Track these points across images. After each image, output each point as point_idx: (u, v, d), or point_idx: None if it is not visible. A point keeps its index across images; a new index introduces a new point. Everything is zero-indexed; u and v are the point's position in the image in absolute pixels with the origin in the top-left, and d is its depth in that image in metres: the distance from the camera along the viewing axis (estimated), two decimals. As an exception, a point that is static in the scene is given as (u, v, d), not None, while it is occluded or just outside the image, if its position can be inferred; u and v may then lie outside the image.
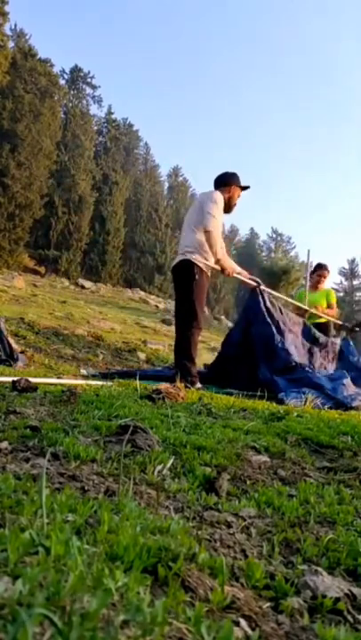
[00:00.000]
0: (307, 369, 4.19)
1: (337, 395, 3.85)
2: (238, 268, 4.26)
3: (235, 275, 4.19)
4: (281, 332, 4.33)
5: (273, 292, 4.87)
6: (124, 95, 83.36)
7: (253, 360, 4.23)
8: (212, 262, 3.90)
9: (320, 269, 5.97)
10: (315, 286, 5.88)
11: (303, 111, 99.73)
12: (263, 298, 4.41)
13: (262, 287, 4.46)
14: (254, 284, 4.38)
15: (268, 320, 4.33)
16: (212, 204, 3.81)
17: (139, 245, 41.00)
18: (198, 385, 3.68)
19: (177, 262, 3.94)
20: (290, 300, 5.65)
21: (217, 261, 3.94)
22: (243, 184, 4.12)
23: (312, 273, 5.97)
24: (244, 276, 4.33)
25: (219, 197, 3.87)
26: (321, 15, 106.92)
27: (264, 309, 4.37)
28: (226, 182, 4.03)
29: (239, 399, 2.99)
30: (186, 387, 3.32)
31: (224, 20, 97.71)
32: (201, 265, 3.83)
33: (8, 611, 0.49)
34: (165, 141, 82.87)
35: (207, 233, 3.79)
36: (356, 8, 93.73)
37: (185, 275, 3.83)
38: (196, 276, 3.80)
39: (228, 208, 4.03)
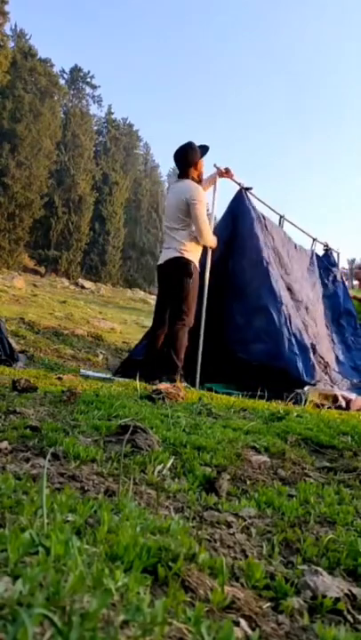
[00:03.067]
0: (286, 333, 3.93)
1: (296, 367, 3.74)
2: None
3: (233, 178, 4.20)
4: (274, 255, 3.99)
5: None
6: (124, 95, 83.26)
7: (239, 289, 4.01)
8: (199, 253, 3.94)
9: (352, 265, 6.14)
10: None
11: (304, 111, 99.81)
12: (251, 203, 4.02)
13: (252, 191, 4.18)
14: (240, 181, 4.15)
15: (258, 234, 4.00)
16: (199, 206, 3.72)
17: (139, 245, 40.96)
18: (184, 383, 3.57)
19: (170, 258, 3.85)
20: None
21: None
22: (201, 149, 3.99)
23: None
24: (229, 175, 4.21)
25: (201, 193, 3.80)
26: (321, 14, 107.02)
27: (253, 214, 4.00)
28: (192, 161, 3.91)
29: (239, 399, 2.99)
30: (168, 381, 3.30)
31: (225, 20, 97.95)
32: (196, 263, 3.86)
33: (8, 611, 0.49)
34: (165, 141, 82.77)
35: (203, 240, 3.83)
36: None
37: (180, 271, 3.80)
38: (193, 275, 3.80)
39: (199, 183, 3.93)
